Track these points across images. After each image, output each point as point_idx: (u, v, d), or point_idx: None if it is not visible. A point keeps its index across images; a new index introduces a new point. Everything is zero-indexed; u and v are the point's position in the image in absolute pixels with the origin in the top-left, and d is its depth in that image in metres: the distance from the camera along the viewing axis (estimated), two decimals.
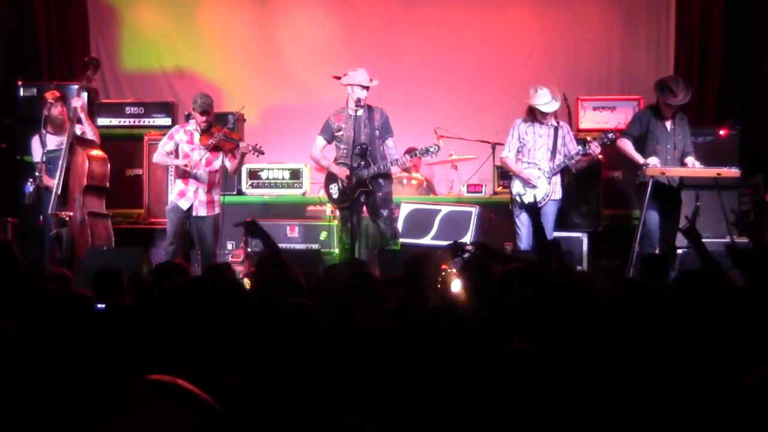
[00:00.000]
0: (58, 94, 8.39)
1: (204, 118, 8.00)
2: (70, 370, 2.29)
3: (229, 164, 8.12)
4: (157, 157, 8.28)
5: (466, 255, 4.63)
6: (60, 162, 8.17)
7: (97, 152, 8.45)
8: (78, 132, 8.29)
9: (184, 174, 8.06)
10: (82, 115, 8.35)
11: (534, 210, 5.88)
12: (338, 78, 8.06)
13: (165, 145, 8.14)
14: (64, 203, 8.17)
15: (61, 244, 8.03)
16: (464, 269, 4.75)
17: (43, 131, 8.21)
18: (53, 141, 8.27)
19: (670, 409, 2.44)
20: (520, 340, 2.99)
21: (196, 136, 8.06)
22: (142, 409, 1.64)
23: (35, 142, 8.35)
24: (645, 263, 5.90)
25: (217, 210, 8.13)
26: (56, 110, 8.25)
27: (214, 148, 8.02)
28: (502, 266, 4.23)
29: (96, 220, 8.34)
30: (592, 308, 3.46)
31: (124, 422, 1.64)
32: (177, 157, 8.09)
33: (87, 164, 8.28)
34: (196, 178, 8.02)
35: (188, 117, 8.40)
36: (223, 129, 8.07)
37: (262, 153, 8.13)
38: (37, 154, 8.31)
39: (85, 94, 8.89)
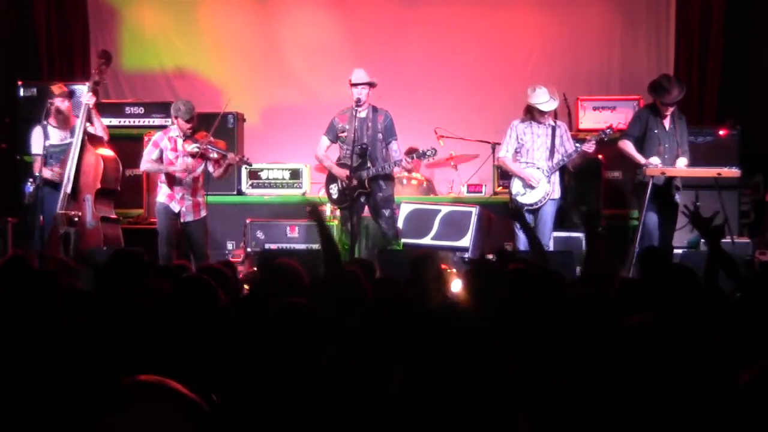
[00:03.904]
0: (65, 89, 8.36)
1: (190, 125, 7.97)
2: (62, 367, 2.29)
3: (213, 171, 8.06)
4: (146, 166, 8.18)
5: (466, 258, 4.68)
6: (64, 157, 8.06)
7: (109, 153, 8.35)
8: (90, 129, 8.23)
9: (170, 180, 8.02)
10: (93, 112, 8.29)
11: (517, 214, 5.79)
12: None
13: (151, 153, 8.05)
14: (74, 202, 8.12)
15: (68, 244, 8.00)
16: (469, 270, 4.77)
17: (46, 123, 8.15)
18: (56, 135, 8.22)
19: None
20: (522, 346, 2.99)
21: (180, 142, 8.00)
22: (130, 409, 1.64)
23: (36, 133, 8.23)
24: (641, 257, 5.91)
25: (203, 212, 8.13)
26: (63, 105, 8.20)
27: (200, 155, 7.98)
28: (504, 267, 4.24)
29: (108, 225, 8.27)
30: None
31: (112, 422, 1.64)
32: (161, 164, 8.06)
33: (101, 165, 8.17)
34: (181, 184, 8.00)
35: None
36: (207, 135, 8.01)
37: (250, 165, 8.37)
38: (37, 146, 8.22)
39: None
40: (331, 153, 8.25)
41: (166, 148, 8.02)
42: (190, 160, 7.96)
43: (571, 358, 3.03)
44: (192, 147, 7.92)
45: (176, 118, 7.99)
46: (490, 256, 5.19)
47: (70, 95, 8.40)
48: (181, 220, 8.01)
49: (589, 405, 2.51)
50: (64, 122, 8.19)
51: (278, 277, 4.28)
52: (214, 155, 7.99)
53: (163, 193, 8.07)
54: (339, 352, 3.00)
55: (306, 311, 3.12)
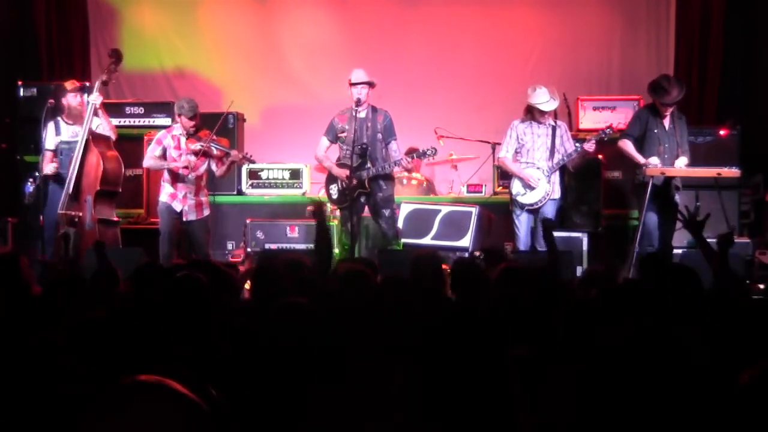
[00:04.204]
0: (77, 84, 8.38)
1: (193, 123, 7.99)
2: (58, 368, 2.29)
3: (216, 169, 8.09)
4: (149, 162, 8.23)
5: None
6: (73, 155, 8.09)
7: (112, 154, 8.32)
8: (94, 127, 8.22)
9: (173, 178, 8.03)
10: (101, 111, 8.27)
11: (549, 227, 5.72)
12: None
13: (154, 150, 8.10)
14: (75, 202, 8.12)
15: (68, 244, 8.00)
16: (456, 270, 4.80)
17: (59, 120, 8.18)
18: (68, 131, 8.22)
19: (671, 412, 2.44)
20: (521, 346, 2.99)
21: (183, 141, 8.03)
22: (130, 409, 1.64)
23: (49, 129, 8.23)
24: (642, 262, 5.91)
25: (206, 212, 8.13)
26: (75, 100, 8.22)
27: (203, 154, 8.00)
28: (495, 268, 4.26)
29: (106, 228, 8.25)
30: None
31: (112, 422, 1.64)
32: (164, 161, 8.06)
33: (101, 167, 8.13)
34: (184, 183, 8.00)
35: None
36: (210, 134, 8.04)
37: (253, 162, 8.30)
38: (49, 141, 8.21)
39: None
40: (332, 154, 8.25)
41: (170, 146, 8.04)
42: (193, 158, 7.97)
43: (571, 358, 3.03)
44: (196, 145, 7.94)
45: (179, 116, 8.02)
46: (478, 253, 5.22)
47: (83, 90, 8.41)
48: (183, 219, 8.02)
49: (590, 405, 2.51)
50: (78, 117, 8.21)
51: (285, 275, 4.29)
52: (217, 152, 8.00)
53: (165, 193, 8.08)
54: (372, 352, 2.99)
55: (306, 311, 3.11)
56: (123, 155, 8.62)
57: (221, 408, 2.49)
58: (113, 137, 8.36)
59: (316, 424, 2.62)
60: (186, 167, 7.96)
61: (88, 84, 8.76)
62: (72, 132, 8.22)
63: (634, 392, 2.46)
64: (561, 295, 3.83)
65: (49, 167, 8.10)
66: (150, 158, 8.17)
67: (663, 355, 2.55)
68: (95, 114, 8.17)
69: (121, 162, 8.41)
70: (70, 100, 8.22)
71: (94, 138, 8.19)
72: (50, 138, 8.21)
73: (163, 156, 8.06)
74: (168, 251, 7.91)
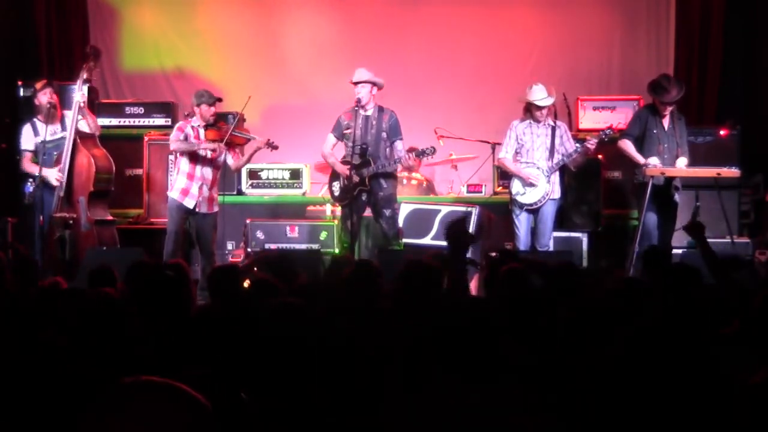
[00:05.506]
0: (45, 81, 8.36)
1: (213, 111, 7.97)
2: (59, 367, 2.29)
3: (233, 161, 8.06)
4: (176, 145, 8.03)
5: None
6: (58, 153, 8.07)
7: (101, 153, 8.34)
8: (80, 126, 8.20)
9: (193, 168, 7.97)
10: (85, 110, 8.21)
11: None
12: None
13: (178, 136, 8.00)
14: (68, 205, 8.11)
15: (64, 247, 7.98)
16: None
17: (35, 121, 8.18)
18: (47, 131, 8.18)
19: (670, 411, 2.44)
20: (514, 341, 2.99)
21: (202, 132, 8.01)
22: (131, 409, 1.63)
23: (26, 130, 8.25)
24: (644, 256, 5.93)
25: (216, 208, 8.10)
26: (45, 98, 8.17)
27: (225, 143, 7.97)
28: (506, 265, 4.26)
29: (103, 228, 8.22)
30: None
31: (111, 421, 1.63)
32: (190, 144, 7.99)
33: (93, 167, 8.12)
34: (203, 174, 7.97)
35: (188, 116, 8.34)
36: (229, 125, 8.06)
37: (276, 148, 8.08)
38: (27, 142, 8.22)
39: (85, 87, 8.74)
40: (339, 152, 8.25)
41: (190, 135, 7.99)
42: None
43: (571, 358, 3.03)
44: (232, 134, 7.89)
45: (199, 106, 7.97)
46: (493, 254, 5.23)
47: (52, 86, 8.35)
48: (196, 210, 7.95)
49: (590, 404, 2.51)
50: (51, 115, 8.18)
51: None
52: (241, 139, 7.97)
53: (177, 189, 8.00)
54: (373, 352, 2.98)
55: (302, 311, 3.10)
56: (123, 155, 8.60)
57: (249, 411, 2.48)
58: (96, 133, 8.33)
59: (317, 425, 2.62)
60: (214, 150, 7.88)
61: (77, 82, 8.74)
62: (51, 131, 8.19)
63: (636, 392, 2.46)
64: (561, 294, 3.84)
65: (51, 173, 8.07)
66: (176, 141, 8.00)
67: (665, 355, 2.55)
68: (80, 113, 8.15)
69: (110, 159, 8.40)
70: (41, 98, 8.20)
71: (81, 138, 8.17)
72: (28, 139, 8.19)
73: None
74: (173, 250, 7.85)
